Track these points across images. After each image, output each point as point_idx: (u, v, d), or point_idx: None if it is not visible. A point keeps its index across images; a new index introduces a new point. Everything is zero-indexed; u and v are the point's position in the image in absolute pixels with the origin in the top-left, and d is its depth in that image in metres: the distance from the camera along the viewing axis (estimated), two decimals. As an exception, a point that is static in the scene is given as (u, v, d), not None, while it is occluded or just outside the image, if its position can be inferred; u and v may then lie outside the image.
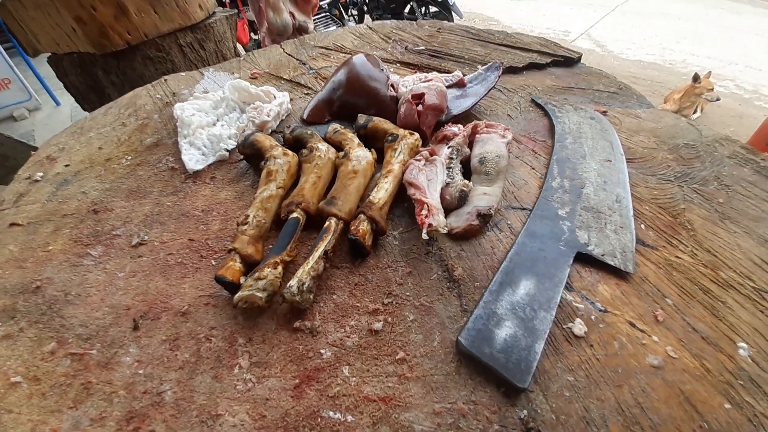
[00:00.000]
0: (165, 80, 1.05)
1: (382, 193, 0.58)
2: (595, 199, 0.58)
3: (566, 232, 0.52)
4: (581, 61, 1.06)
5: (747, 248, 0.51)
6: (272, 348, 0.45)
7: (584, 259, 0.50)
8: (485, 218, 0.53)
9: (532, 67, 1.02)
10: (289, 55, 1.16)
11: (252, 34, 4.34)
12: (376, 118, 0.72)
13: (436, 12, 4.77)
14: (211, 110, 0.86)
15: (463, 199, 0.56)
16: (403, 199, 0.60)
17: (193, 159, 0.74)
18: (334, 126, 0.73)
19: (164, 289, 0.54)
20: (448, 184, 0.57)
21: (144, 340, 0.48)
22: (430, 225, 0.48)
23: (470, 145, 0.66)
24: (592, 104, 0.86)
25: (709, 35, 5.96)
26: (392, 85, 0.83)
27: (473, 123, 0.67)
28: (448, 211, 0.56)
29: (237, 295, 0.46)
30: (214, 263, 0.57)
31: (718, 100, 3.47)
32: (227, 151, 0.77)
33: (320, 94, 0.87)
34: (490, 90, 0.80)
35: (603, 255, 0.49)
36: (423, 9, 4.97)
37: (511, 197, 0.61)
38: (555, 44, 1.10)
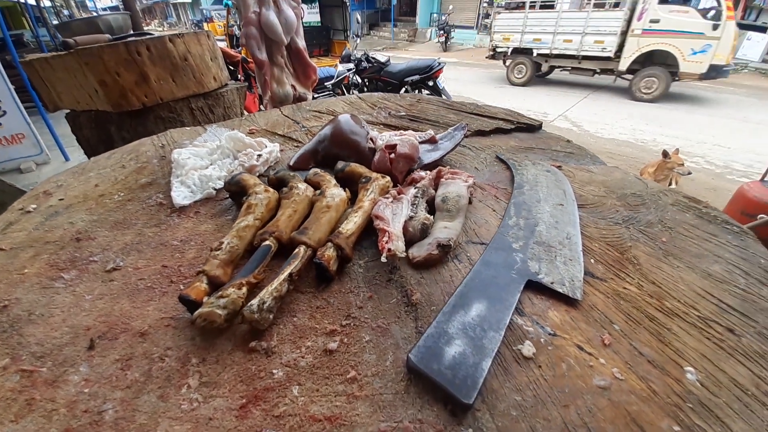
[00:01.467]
0: (169, 132, 1.16)
1: (351, 225, 0.62)
2: (546, 235, 0.62)
3: (518, 262, 0.56)
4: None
5: (690, 281, 0.54)
6: (224, 368, 0.45)
7: (536, 287, 0.52)
8: (444, 248, 0.57)
9: (499, 131, 1.15)
10: (286, 116, 1.30)
11: (261, 106, 4.80)
12: (353, 164, 0.80)
13: (428, 95, 5.37)
14: (206, 156, 0.94)
15: (424, 231, 0.60)
16: (372, 233, 0.64)
17: (181, 195, 0.79)
18: (315, 170, 0.80)
19: (128, 311, 0.54)
20: (411, 218, 0.61)
21: (97, 359, 0.47)
22: (389, 250, 0.52)
23: (436, 188, 0.72)
24: (549, 161, 0.96)
25: (676, 118, 6.62)
26: (371, 139, 0.93)
27: (438, 168, 0.74)
28: (411, 243, 0.60)
29: (196, 312, 0.47)
30: (182, 288, 0.58)
31: (689, 173, 3.74)
32: (215, 189, 0.82)
33: (307, 145, 0.96)
34: (456, 145, 0.89)
35: (552, 283, 0.52)
36: (416, 92, 5.59)
37: (472, 233, 0.65)
38: (518, 114, 1.26)
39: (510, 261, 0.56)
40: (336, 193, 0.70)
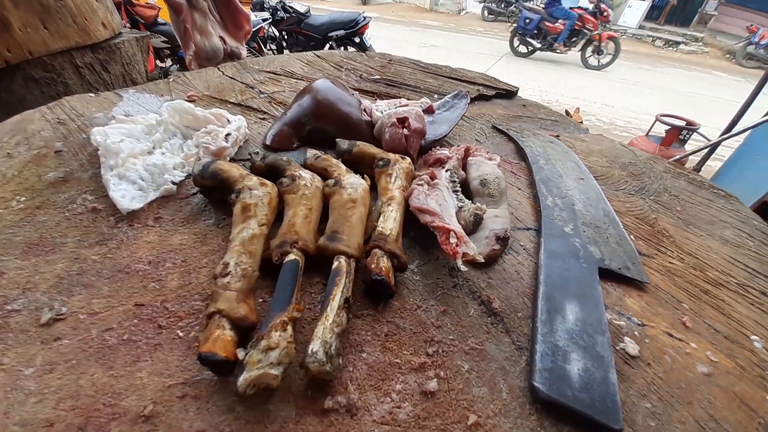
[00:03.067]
0: (66, 101, 0.83)
1: (391, 222, 0.51)
2: (587, 214, 0.60)
3: (580, 249, 0.53)
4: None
5: (716, 249, 0.58)
6: (297, 444, 0.33)
7: (603, 274, 0.50)
8: (504, 241, 0.51)
9: (481, 98, 1.09)
10: (232, 78, 1.04)
11: (158, 61, 3.94)
12: (360, 143, 0.66)
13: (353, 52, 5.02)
14: (143, 136, 0.69)
15: (477, 223, 0.52)
16: (407, 229, 0.54)
17: (127, 196, 0.57)
18: (314, 152, 0.64)
19: (106, 383, 0.37)
20: (460, 209, 0.53)
21: (82, 472, 0.31)
22: (465, 254, 0.43)
23: (463, 168, 0.64)
24: (542, 131, 0.95)
25: (573, 82, 7.44)
26: (365, 110, 0.79)
27: (465, 146, 0.66)
28: (462, 237, 0.52)
29: (243, 379, 0.33)
30: (181, 334, 0.42)
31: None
32: (174, 184, 0.61)
33: (285, 118, 0.77)
34: (461, 117, 0.81)
35: (620, 268, 0.50)
36: (342, 48, 5.18)
37: (512, 218, 0.60)
38: (495, 79, 1.21)
39: (572, 248, 0.52)
40: (356, 182, 0.57)
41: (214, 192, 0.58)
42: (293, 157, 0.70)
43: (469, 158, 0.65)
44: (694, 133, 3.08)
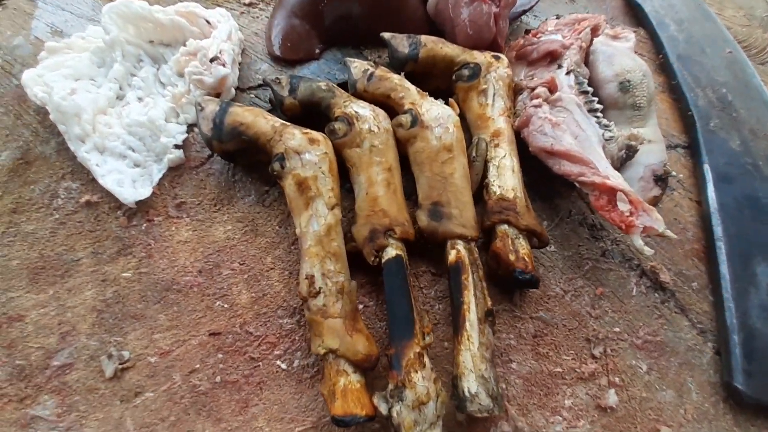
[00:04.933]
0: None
1: (510, 177, 0.36)
2: (753, 116, 0.43)
3: (757, 171, 0.39)
4: None
5: None
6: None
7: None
8: (665, 182, 0.37)
9: None
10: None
11: None
12: (424, 38, 0.44)
13: None
14: (96, 72, 0.46)
15: (629, 158, 0.37)
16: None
17: (125, 180, 0.40)
18: (360, 64, 0.43)
19: (224, 437, 0.32)
20: (608, 139, 0.37)
21: None
22: (647, 228, 0.30)
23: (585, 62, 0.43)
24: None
25: None
26: (409, -32, 0.51)
27: (588, 22, 0.43)
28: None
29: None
30: (283, 366, 0.34)
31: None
32: (178, 147, 0.43)
33: (286, 2, 0.51)
34: None
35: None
36: None
37: (654, 132, 0.44)
38: None
39: (748, 176, 0.39)
40: (442, 114, 0.39)
41: (240, 155, 0.41)
42: (322, 72, 0.49)
43: (594, 41, 0.43)
44: None
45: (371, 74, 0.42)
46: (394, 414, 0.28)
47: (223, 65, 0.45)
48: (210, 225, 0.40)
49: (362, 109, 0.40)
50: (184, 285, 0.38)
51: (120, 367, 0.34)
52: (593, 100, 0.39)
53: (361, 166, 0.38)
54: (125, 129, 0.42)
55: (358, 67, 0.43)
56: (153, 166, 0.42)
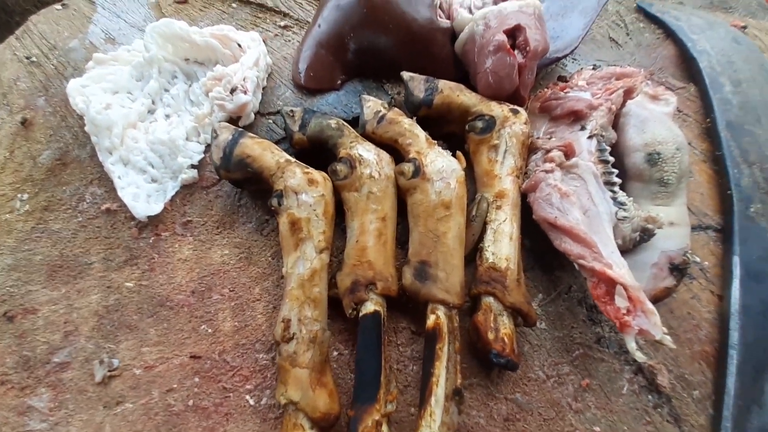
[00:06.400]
0: (32, 24, 0.61)
1: (506, 245, 0.34)
2: (813, 202, 0.38)
3: (798, 275, 0.34)
4: None
5: None
6: None
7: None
8: (682, 272, 0.33)
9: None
10: (229, -54, 0.70)
11: None
12: (442, 84, 0.43)
13: None
14: (134, 85, 0.50)
15: (644, 240, 0.34)
16: (523, 234, 0.38)
17: (141, 195, 0.43)
18: (373, 103, 0.43)
19: (186, 463, 0.33)
20: (621, 219, 0.34)
21: None
22: (642, 331, 0.28)
23: (614, 124, 0.40)
24: (717, 13, 0.59)
25: None
26: (440, 5, 0.50)
27: (624, 82, 0.39)
28: (610, 257, 0.35)
29: None
30: (251, 402, 0.35)
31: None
32: (194, 166, 0.46)
33: (317, 32, 0.51)
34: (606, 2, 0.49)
35: None
36: None
37: (683, 209, 0.40)
38: None
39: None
40: (446, 167, 0.38)
41: (247, 183, 0.43)
42: (340, 103, 0.49)
43: (628, 103, 0.40)
44: None
45: (382, 116, 0.42)
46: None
47: (245, 92, 0.46)
48: (209, 247, 0.42)
49: (367, 152, 0.40)
50: (176, 303, 0.40)
51: (108, 374, 0.37)
52: (613, 172, 0.36)
53: (356, 211, 0.38)
54: (148, 145, 0.45)
55: (371, 107, 0.43)
56: (168, 183, 0.45)
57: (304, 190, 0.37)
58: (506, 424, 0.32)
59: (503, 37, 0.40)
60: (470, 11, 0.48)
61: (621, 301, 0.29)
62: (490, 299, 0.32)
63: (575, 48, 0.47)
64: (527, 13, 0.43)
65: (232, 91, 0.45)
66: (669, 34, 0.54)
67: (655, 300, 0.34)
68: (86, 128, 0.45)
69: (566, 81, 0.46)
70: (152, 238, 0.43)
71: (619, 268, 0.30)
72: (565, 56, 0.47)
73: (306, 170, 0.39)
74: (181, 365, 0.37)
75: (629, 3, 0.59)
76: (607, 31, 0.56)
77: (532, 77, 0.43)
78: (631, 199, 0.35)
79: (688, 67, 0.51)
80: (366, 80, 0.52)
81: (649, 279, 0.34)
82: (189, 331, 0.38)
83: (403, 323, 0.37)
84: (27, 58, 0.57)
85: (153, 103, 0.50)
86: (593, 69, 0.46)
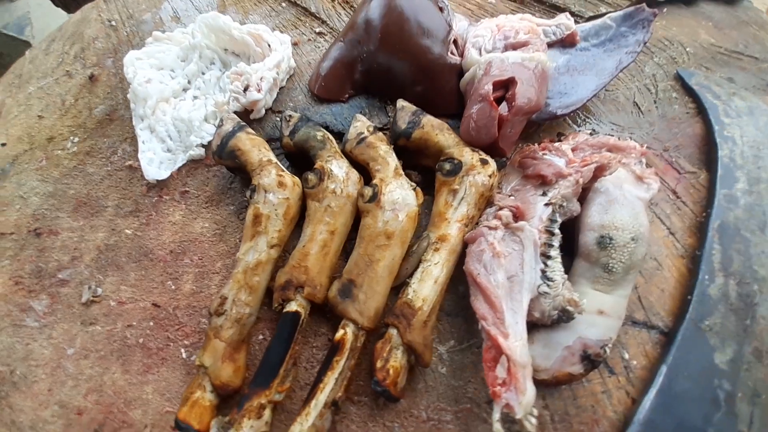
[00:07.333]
0: (119, -7, 0.72)
1: (429, 287, 0.36)
2: (779, 332, 0.34)
3: (722, 405, 0.32)
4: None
5: None
6: None
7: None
8: (593, 364, 0.33)
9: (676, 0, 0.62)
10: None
11: None
12: (426, 120, 0.44)
13: None
14: (177, 64, 0.58)
15: (562, 320, 0.34)
16: (459, 280, 0.39)
17: (155, 161, 0.51)
18: (362, 123, 0.46)
19: (123, 387, 0.40)
20: (544, 294, 0.34)
21: (98, 474, 0.37)
22: (507, 405, 0.29)
23: (582, 198, 0.39)
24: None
25: None
26: (455, 42, 0.51)
27: (599, 156, 0.39)
28: (531, 327, 0.35)
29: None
30: (184, 355, 0.41)
31: None
32: (203, 146, 0.53)
33: (338, 45, 0.55)
34: (628, 64, 0.47)
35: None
36: None
37: (632, 301, 0.38)
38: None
39: (708, 397, 0.32)
40: (400, 200, 0.40)
41: (237, 171, 0.49)
42: (341, 115, 0.53)
43: (602, 178, 0.39)
44: None
45: (363, 138, 0.45)
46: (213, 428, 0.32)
47: (258, 91, 0.52)
48: (195, 217, 0.49)
49: (338, 168, 0.43)
50: (156, 257, 0.47)
51: (91, 298, 0.45)
52: (553, 245, 0.36)
53: (312, 219, 0.42)
54: (172, 120, 0.53)
55: (357, 127, 0.46)
56: (180, 155, 0.52)
57: (273, 190, 0.42)
58: (377, 446, 0.34)
59: (489, 88, 0.41)
60: (480, 52, 0.48)
61: (502, 371, 0.30)
62: (394, 332, 0.35)
63: (577, 109, 0.46)
64: (528, 67, 0.43)
65: (246, 89, 0.51)
66: (700, 110, 0.50)
67: (556, 382, 0.34)
68: (128, 95, 0.54)
69: (561, 139, 0.45)
70: (155, 198, 0.51)
71: (514, 340, 0.31)
72: (563, 115, 0.46)
73: (281, 173, 0.43)
74: (143, 309, 0.44)
75: (670, 68, 0.55)
76: (634, 94, 0.53)
77: (515, 132, 0.44)
78: (565, 276, 0.35)
79: (708, 150, 0.47)
80: (372, 99, 0.55)
81: (557, 359, 0.34)
82: (158, 283, 0.45)
83: (324, 329, 0.40)
84: (108, 21, 0.68)
85: (189, 83, 0.58)
86: (590, 134, 0.45)
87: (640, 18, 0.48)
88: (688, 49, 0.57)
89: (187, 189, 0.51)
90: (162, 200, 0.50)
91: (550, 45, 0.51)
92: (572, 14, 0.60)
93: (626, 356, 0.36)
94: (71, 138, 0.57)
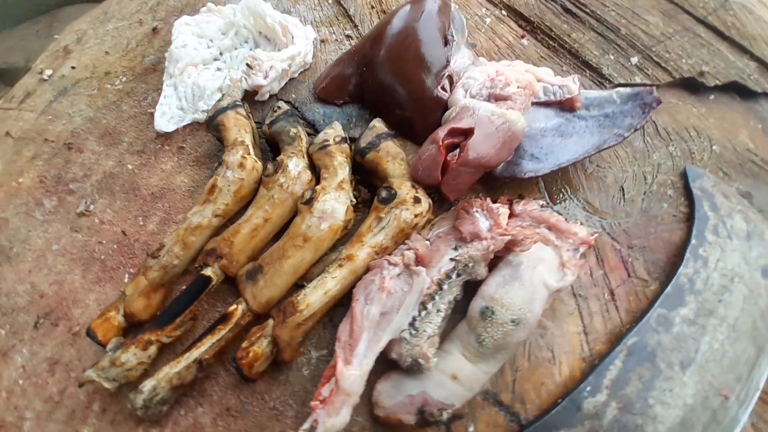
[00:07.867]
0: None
1: (317, 296, 0.39)
2: None
3: None
4: None
5: None
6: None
7: None
8: (426, 421, 0.34)
9: (732, 88, 0.55)
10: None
11: None
12: (386, 146, 0.46)
13: None
14: (217, 36, 0.65)
15: (413, 370, 0.35)
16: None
17: (167, 114, 0.60)
18: (330, 133, 0.49)
19: (76, 288, 0.49)
20: (405, 339, 0.35)
21: (36, 345, 0.46)
22: (315, 421, 0.31)
23: (491, 266, 0.39)
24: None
25: None
26: (449, 77, 0.51)
27: (520, 231, 0.38)
28: (395, 365, 0.37)
29: (87, 373, 0.39)
30: (126, 277, 0.49)
31: None
32: (206, 113, 0.60)
33: (349, 54, 0.58)
34: (618, 143, 0.44)
35: None
36: None
37: (505, 381, 0.37)
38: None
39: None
40: (329, 212, 0.43)
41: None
42: (330, 117, 0.56)
43: (518, 252, 0.38)
44: None
45: (325, 145, 0.48)
46: (107, 355, 0.39)
47: (265, 77, 0.57)
48: (180, 171, 0.57)
49: (294, 166, 0.47)
50: (140, 195, 0.55)
51: (84, 211, 0.55)
52: (435, 299, 0.36)
53: (256, 203, 0.47)
54: (191, 84, 0.60)
55: (327, 134, 0.49)
56: (188, 115, 0.60)
57: (233, 168, 0.47)
58: (226, 412, 0.39)
59: (442, 133, 0.42)
60: (466, 94, 0.48)
61: (327, 390, 0.32)
62: (271, 322, 0.39)
63: (536, 176, 0.44)
64: (494, 123, 0.43)
65: (254, 73, 0.56)
66: (689, 218, 0.45)
67: (388, 422, 0.35)
68: (166, 54, 0.63)
69: (515, 202, 0.44)
70: (159, 145, 0.59)
71: (352, 369, 0.33)
72: (519, 178, 0.45)
73: (245, 155, 0.48)
74: (114, 233, 0.53)
75: (681, 162, 0.50)
76: (626, 178, 0.49)
77: (462, 181, 0.43)
78: (436, 331, 0.36)
79: (675, 264, 0.43)
80: (363, 110, 0.57)
81: (397, 403, 0.35)
82: (133, 217, 0.54)
83: (232, 300, 0.45)
84: (184, -16, 0.77)
85: (221, 54, 0.65)
86: (541, 206, 0.43)
87: (643, 101, 0.44)
88: (714, 147, 0.51)
89: (184, 146, 0.59)
90: (162, 149, 0.59)
91: (548, 104, 0.49)
92: (602, 77, 0.57)
93: (471, 430, 0.36)
94: (121, 77, 0.67)
